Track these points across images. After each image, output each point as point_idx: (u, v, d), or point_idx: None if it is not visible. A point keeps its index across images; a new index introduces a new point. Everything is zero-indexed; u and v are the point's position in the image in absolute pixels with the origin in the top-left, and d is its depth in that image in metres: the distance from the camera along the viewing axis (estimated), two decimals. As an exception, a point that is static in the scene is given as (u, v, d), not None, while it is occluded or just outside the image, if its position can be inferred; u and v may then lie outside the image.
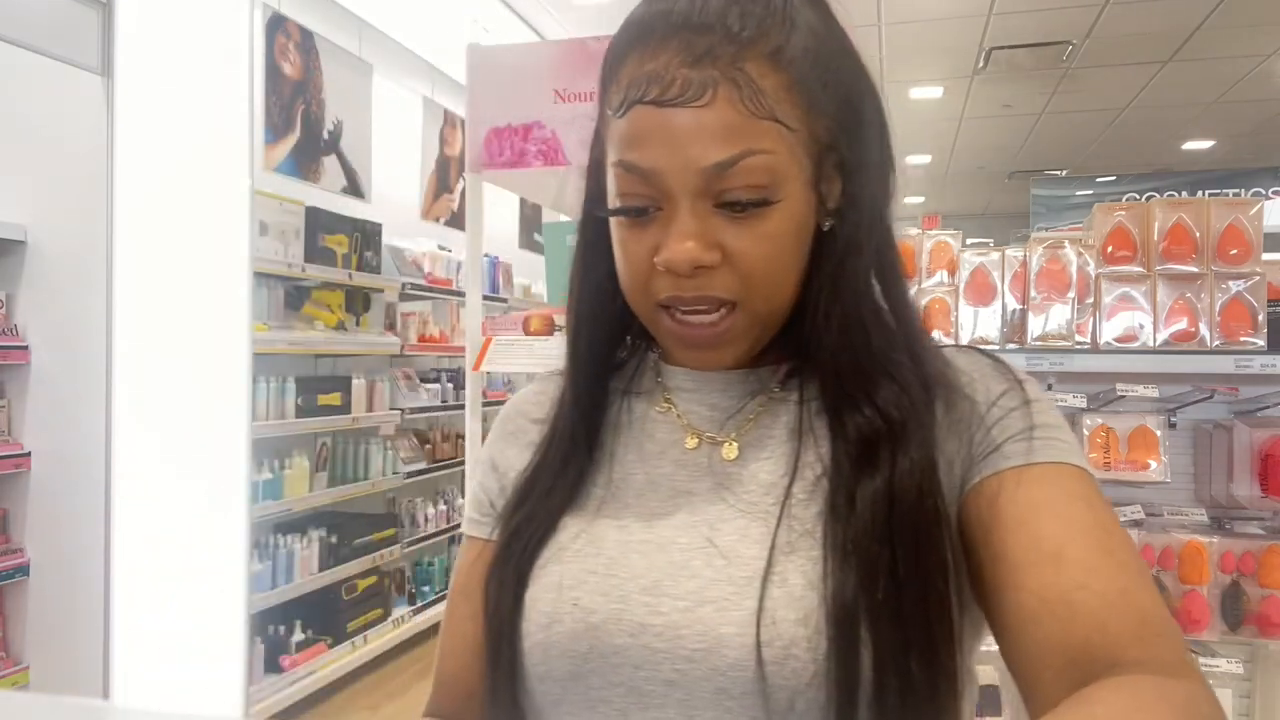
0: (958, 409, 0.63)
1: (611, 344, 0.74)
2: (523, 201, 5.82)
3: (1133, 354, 1.83)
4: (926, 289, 2.02)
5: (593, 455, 0.71)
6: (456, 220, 5.35)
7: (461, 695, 0.71)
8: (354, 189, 4.47)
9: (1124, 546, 0.56)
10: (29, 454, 2.61)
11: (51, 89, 2.52)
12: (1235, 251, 1.81)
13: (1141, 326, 1.84)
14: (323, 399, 3.79)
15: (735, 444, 0.67)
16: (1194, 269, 1.83)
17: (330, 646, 3.83)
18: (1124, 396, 1.74)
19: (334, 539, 3.89)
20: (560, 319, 1.78)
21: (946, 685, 0.57)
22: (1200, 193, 7.70)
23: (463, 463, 2.09)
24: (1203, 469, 1.92)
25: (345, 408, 3.94)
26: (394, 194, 4.78)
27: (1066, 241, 1.98)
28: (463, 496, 3.58)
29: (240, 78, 2.66)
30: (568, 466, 0.70)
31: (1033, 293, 1.95)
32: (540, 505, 0.69)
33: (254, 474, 3.09)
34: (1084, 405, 1.81)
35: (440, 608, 4.63)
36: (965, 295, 2.00)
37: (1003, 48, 6.24)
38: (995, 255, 2.02)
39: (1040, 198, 9.08)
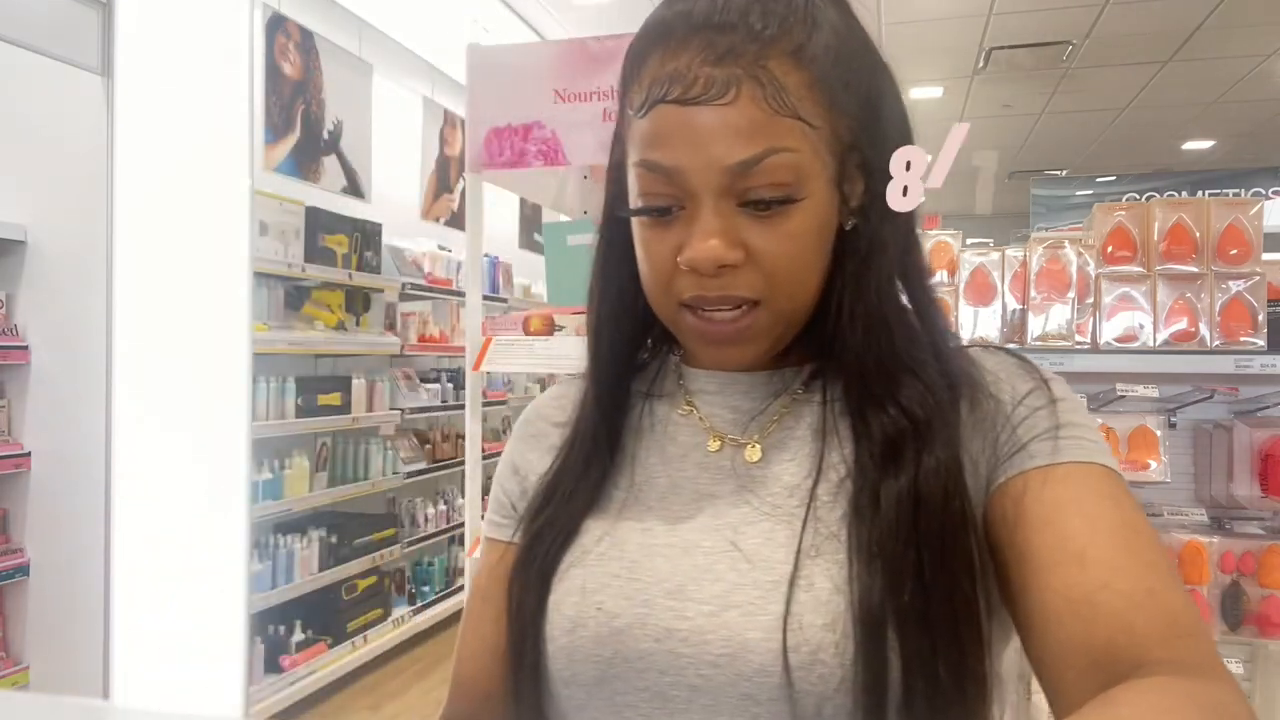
0: (983, 408, 0.63)
1: (633, 346, 0.74)
2: (523, 201, 5.82)
3: (1133, 354, 1.83)
4: (926, 289, 2.01)
5: (614, 458, 0.70)
6: (456, 220, 5.35)
7: (479, 697, 0.71)
8: (354, 189, 4.47)
9: (1151, 546, 0.55)
10: (29, 454, 2.61)
11: (51, 89, 2.52)
12: (1235, 251, 1.81)
13: (1141, 326, 1.84)
14: (323, 399, 3.79)
15: (758, 446, 0.67)
16: (1194, 269, 1.83)
17: (330, 646, 3.83)
18: (1124, 396, 1.74)
19: (334, 539, 3.89)
20: (560, 319, 1.78)
21: (975, 689, 0.56)
22: (1200, 193, 7.70)
23: (463, 463, 2.09)
24: (1203, 469, 1.92)
25: (345, 408, 3.94)
26: (394, 194, 4.78)
27: (1066, 241, 1.98)
28: (463, 496, 3.57)
29: (240, 78, 2.66)
30: (590, 469, 0.69)
31: (1033, 293, 1.95)
32: (562, 508, 0.68)
33: (254, 474, 3.09)
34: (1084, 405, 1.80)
35: (440, 607, 4.65)
36: (965, 295, 2.00)
37: (1003, 48, 6.24)
38: (995, 255, 2.02)
39: (1040, 198, 9.07)
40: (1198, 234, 1.83)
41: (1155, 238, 1.85)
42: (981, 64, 6.59)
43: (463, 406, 2.00)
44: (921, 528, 0.58)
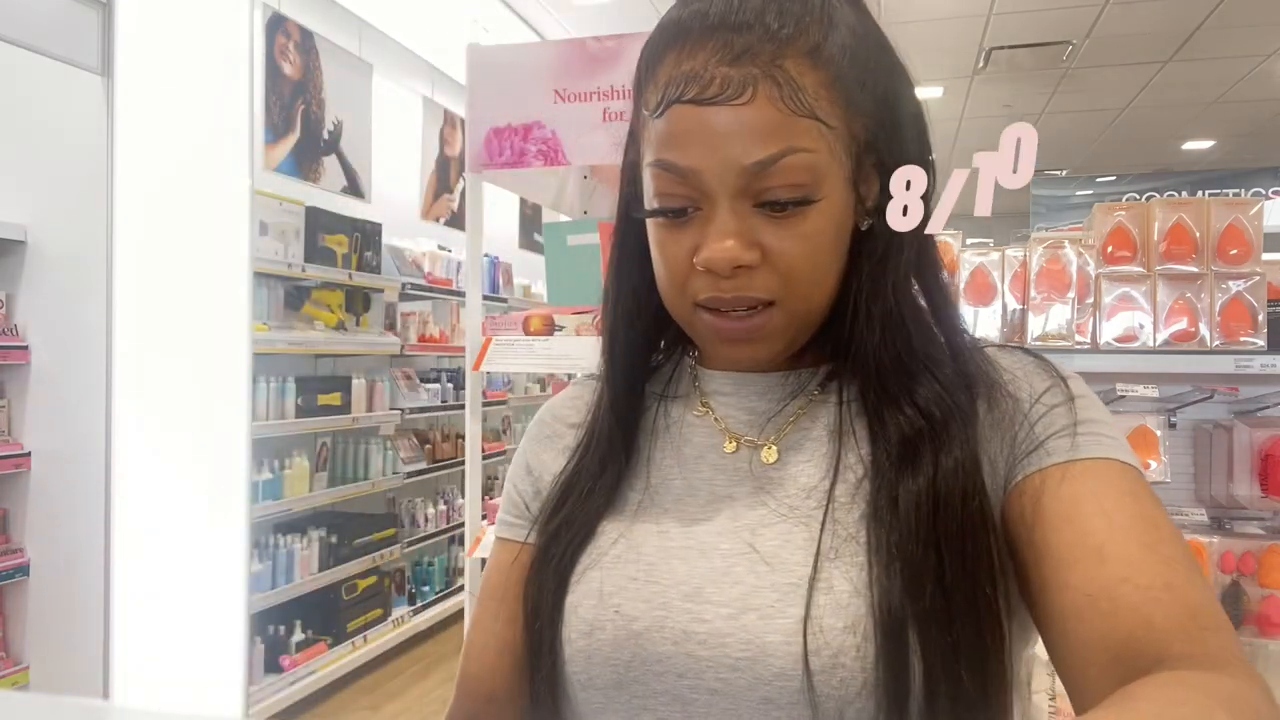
0: (1000, 407, 0.62)
1: (648, 347, 0.74)
2: (523, 201, 5.82)
3: (1133, 354, 1.82)
4: (926, 289, 2.01)
5: (629, 460, 0.70)
6: (456, 220, 5.35)
7: (483, 696, 0.71)
8: (354, 189, 4.47)
9: (1171, 541, 0.55)
10: (29, 454, 2.61)
11: (51, 89, 2.52)
12: (1235, 251, 1.81)
13: (1141, 326, 1.84)
14: (323, 399, 3.79)
15: (774, 447, 0.66)
16: (1194, 269, 1.83)
17: (330, 646, 3.83)
18: (1124, 396, 1.74)
19: (334, 539, 3.89)
20: (560, 319, 1.78)
21: (997, 691, 0.56)
22: (1200, 193, 7.68)
23: (463, 463, 2.09)
24: (1203, 469, 1.92)
25: (345, 408, 3.94)
26: (394, 194, 4.78)
27: (1066, 241, 1.98)
28: (463, 496, 3.57)
29: (240, 78, 2.66)
30: (605, 470, 0.69)
31: (1033, 293, 1.95)
32: (578, 509, 0.68)
33: (254, 474, 3.09)
34: (1084, 405, 1.80)
35: (440, 608, 4.65)
36: (965, 295, 2.00)
37: (1003, 48, 6.24)
38: (995, 255, 2.02)
39: (1040, 198, 9.07)
40: (1198, 234, 1.83)
41: (1155, 238, 1.85)
42: (981, 64, 6.59)
43: (463, 406, 2.00)
44: (941, 529, 0.57)
